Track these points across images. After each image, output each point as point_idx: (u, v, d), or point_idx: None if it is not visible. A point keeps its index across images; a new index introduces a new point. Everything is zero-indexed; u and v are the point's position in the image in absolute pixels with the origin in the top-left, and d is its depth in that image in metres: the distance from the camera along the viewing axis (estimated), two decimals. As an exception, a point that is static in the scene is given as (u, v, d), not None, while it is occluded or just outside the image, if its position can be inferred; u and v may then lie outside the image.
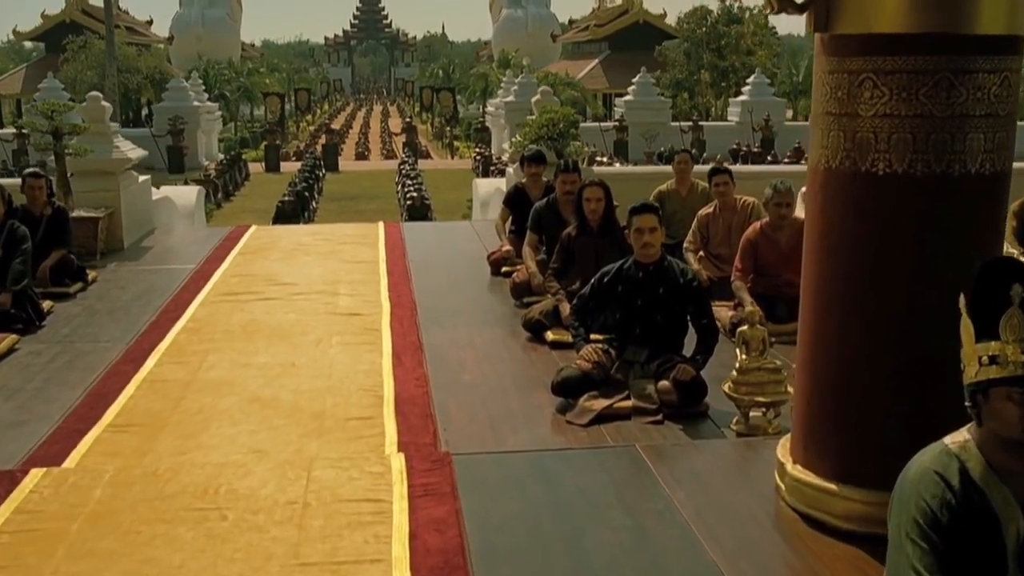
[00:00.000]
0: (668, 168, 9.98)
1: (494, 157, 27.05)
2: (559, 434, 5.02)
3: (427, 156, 37.85)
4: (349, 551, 3.73)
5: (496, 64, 47.95)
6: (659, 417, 5.13)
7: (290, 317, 7.32)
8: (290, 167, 30.43)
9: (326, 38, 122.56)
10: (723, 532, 3.88)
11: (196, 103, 32.00)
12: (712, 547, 3.75)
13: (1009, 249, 6.24)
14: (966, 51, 3.49)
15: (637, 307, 5.48)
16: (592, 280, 5.74)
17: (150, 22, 54.74)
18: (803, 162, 20.61)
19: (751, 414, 5.00)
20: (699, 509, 4.07)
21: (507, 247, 8.60)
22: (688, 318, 5.53)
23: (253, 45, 76.51)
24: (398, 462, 4.53)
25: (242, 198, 26.10)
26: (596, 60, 48.56)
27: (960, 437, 2.48)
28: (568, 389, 5.32)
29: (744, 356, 4.99)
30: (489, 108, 37.46)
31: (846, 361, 3.77)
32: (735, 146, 27.33)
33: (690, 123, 30.77)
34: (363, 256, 9.69)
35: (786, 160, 24.17)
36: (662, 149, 26.25)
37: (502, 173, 16.13)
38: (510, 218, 8.74)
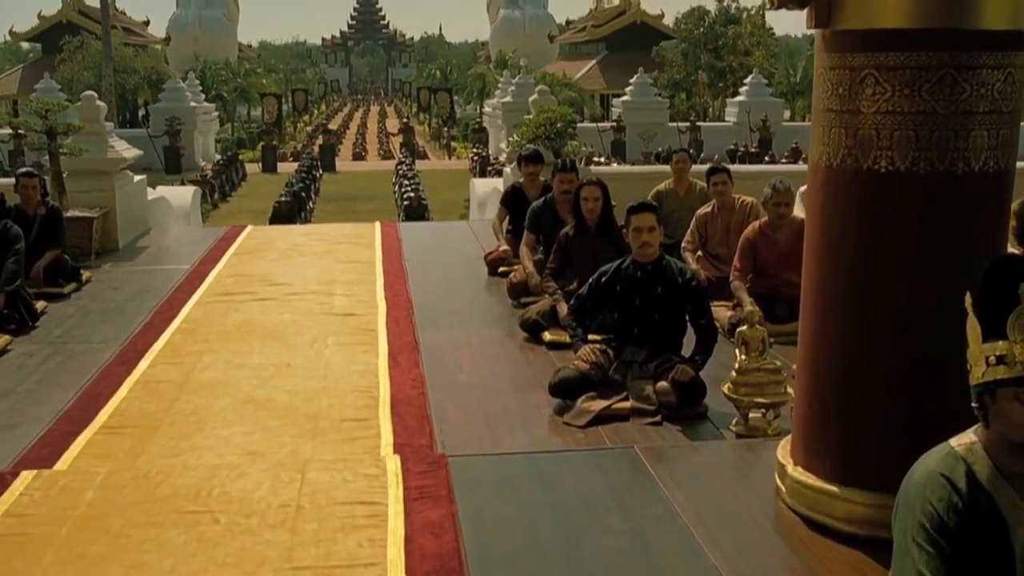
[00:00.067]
0: (666, 168, 9.93)
1: (491, 157, 27.05)
2: (557, 435, 4.97)
3: (424, 156, 37.88)
4: (343, 555, 3.67)
5: (493, 65, 48.02)
6: (658, 418, 5.08)
7: (285, 317, 7.27)
8: (287, 167, 30.44)
9: (323, 39, 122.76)
10: (723, 535, 3.83)
11: (193, 104, 32.06)
12: (712, 551, 3.70)
13: (1010, 249, 6.20)
14: (970, 47, 3.45)
15: (635, 307, 5.43)
16: (590, 280, 5.69)
17: (147, 23, 54.82)
18: (800, 162, 20.68)
19: (751, 415, 4.95)
20: (699, 512, 4.02)
21: (504, 247, 8.55)
22: (687, 318, 5.48)
23: (250, 46, 76.67)
24: (393, 464, 4.47)
25: (239, 199, 26.08)
26: (593, 61, 48.62)
27: (966, 439, 2.43)
28: (566, 390, 5.26)
29: (743, 357, 4.94)
30: (486, 108, 37.54)
31: (847, 362, 3.73)
32: (732, 146, 27.38)
33: (688, 123, 30.84)
34: (359, 256, 9.64)
35: (783, 160, 24.24)
36: (660, 149, 26.23)
37: (499, 173, 16.10)
38: (507, 218, 8.70)
